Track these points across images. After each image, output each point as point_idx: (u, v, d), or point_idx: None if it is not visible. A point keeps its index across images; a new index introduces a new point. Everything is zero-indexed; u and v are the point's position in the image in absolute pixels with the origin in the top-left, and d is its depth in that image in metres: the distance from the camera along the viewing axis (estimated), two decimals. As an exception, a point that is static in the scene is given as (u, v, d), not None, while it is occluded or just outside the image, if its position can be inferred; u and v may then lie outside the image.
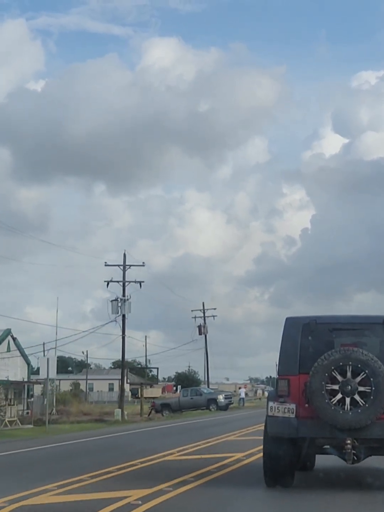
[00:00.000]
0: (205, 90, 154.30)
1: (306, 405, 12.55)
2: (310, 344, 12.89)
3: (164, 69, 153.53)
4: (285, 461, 12.98)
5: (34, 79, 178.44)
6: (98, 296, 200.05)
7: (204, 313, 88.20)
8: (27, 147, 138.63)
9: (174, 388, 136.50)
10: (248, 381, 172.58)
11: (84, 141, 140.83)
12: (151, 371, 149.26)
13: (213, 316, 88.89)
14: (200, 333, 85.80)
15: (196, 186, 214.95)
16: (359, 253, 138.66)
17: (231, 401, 67.68)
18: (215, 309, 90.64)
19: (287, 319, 13.24)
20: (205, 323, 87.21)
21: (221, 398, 63.95)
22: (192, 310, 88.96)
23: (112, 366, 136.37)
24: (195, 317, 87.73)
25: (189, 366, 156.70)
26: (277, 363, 13.44)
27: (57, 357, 48.59)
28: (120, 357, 56.81)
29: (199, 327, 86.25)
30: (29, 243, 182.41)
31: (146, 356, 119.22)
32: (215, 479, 14.36)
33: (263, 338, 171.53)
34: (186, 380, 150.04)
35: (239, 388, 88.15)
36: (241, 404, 75.73)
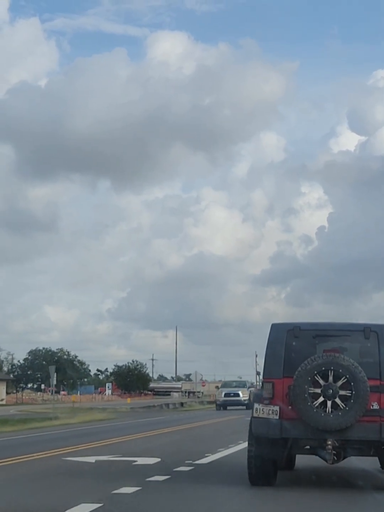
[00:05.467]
0: (217, 85, 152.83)
1: (290, 407, 13.16)
2: (294, 349, 13.50)
3: (172, 64, 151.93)
4: (269, 460, 13.62)
5: (47, 78, 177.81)
6: (115, 295, 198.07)
7: None
8: (30, 143, 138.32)
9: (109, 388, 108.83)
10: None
11: (90, 137, 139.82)
12: (83, 364, 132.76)
13: None
14: None
15: (211, 183, 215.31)
16: (376, 251, 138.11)
17: None
18: None
19: (273, 325, 13.86)
20: None
21: None
22: None
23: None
24: None
25: (152, 358, 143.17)
26: (262, 367, 14.03)
27: None
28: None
29: None
30: (39, 242, 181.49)
31: None
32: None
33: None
34: (128, 376, 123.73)
35: None
36: None
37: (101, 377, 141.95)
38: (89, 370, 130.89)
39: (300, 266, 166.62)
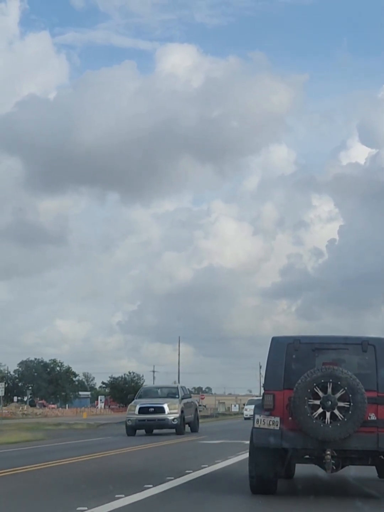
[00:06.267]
0: (226, 97, 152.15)
1: (290, 418, 13.59)
2: (294, 362, 13.95)
3: (180, 77, 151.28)
4: (269, 469, 14.04)
5: (57, 91, 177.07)
6: (125, 308, 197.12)
7: None
8: (38, 156, 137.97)
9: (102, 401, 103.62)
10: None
11: (99, 149, 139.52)
12: (76, 375, 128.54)
13: None
14: None
15: (221, 196, 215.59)
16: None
17: None
18: None
19: (273, 339, 14.30)
20: None
21: None
22: None
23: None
24: None
25: (153, 370, 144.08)
26: (263, 379, 14.46)
27: None
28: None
29: None
30: (48, 255, 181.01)
31: None
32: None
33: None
34: (125, 389, 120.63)
35: None
36: None
37: (107, 390, 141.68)
38: (90, 383, 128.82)
39: (311, 279, 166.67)
